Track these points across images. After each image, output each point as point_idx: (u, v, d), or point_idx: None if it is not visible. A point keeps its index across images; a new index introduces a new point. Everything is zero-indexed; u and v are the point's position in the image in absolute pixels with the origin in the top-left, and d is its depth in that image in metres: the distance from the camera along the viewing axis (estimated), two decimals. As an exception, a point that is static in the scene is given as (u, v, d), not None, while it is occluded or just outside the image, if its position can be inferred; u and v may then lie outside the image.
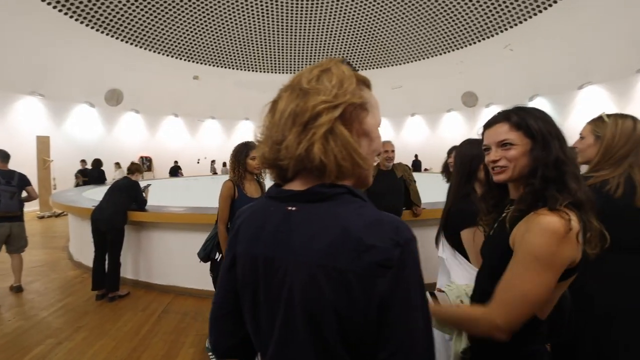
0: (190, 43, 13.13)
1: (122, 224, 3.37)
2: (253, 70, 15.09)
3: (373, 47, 14.28)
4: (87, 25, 10.44)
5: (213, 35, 13.10)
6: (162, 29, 12.05)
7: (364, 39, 13.95)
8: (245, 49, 14.12)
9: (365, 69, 15.10)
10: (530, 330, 0.80)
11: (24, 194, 3.59)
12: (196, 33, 12.77)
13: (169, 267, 3.55)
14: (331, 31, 13.51)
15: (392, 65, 14.97)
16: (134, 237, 3.67)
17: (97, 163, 9.08)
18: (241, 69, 14.94)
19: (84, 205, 4.08)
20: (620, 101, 9.61)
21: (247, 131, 16.22)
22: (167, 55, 13.19)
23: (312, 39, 13.87)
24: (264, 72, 15.18)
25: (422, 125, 16.98)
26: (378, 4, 12.11)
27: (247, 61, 14.71)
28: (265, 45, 14.06)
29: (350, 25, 13.26)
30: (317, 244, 0.50)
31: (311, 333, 0.49)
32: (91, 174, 9.06)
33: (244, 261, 0.58)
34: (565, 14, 9.72)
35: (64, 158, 10.26)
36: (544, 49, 11.00)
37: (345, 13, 12.62)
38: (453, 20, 11.98)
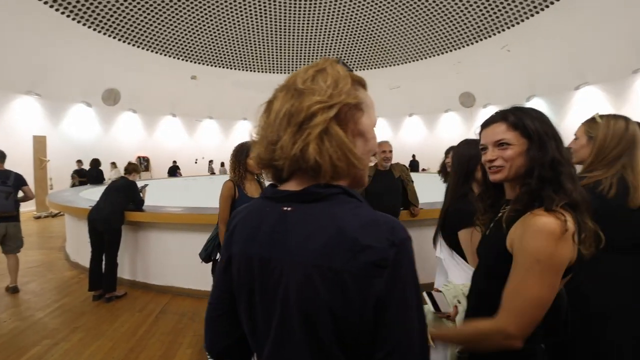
0: (188, 43, 13.09)
1: (119, 224, 3.36)
2: (251, 70, 15.07)
3: (371, 47, 14.30)
4: (84, 24, 10.39)
5: (211, 35, 13.07)
6: (160, 29, 12.01)
7: (362, 39, 13.96)
8: (243, 49, 14.09)
9: (363, 69, 15.11)
10: None
11: (20, 194, 3.57)
12: (194, 33, 12.73)
13: (166, 268, 3.54)
14: (329, 31, 13.51)
15: (390, 66, 14.98)
16: (131, 237, 3.66)
17: (96, 163, 9.05)
18: (239, 69, 14.91)
19: (81, 205, 4.06)
20: (617, 102, 9.67)
21: (245, 131, 16.20)
22: (165, 55, 13.15)
23: (310, 39, 13.87)
24: (262, 72, 15.16)
25: (419, 125, 17.01)
26: (376, 4, 12.12)
27: (245, 61, 14.68)
28: (263, 45, 14.04)
29: (348, 26, 13.26)
30: (312, 244, 0.50)
31: (307, 333, 0.49)
32: (90, 174, 9.02)
33: (240, 261, 0.58)
34: (561, 16, 9.77)
35: (60, 158, 10.20)
36: (541, 50, 11.05)
37: (343, 13, 12.63)
38: (450, 21, 12.01)
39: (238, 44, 13.83)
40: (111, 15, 10.62)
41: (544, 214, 0.76)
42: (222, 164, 14.90)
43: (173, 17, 11.70)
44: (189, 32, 12.61)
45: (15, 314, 3.02)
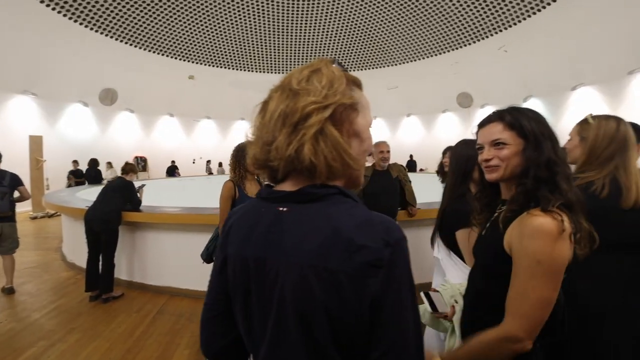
0: (186, 42, 13.05)
1: (116, 225, 3.34)
2: (249, 70, 15.05)
3: (369, 47, 14.31)
4: (80, 24, 10.34)
5: (208, 34, 13.04)
6: (158, 28, 11.97)
7: (360, 40, 13.98)
8: (241, 48, 14.07)
9: (361, 69, 15.13)
10: None
11: (16, 194, 3.54)
12: (191, 32, 12.70)
13: (164, 268, 3.53)
14: (327, 31, 13.52)
15: (388, 66, 15.01)
16: (129, 237, 3.64)
17: (94, 163, 9.00)
18: (237, 69, 14.88)
19: (78, 205, 4.04)
20: (613, 102, 9.73)
21: (243, 131, 16.10)
22: (163, 55, 13.10)
23: (308, 39, 13.87)
24: (260, 72, 15.14)
25: (417, 125, 17.05)
26: (374, 4, 12.14)
27: (243, 61, 14.66)
28: (261, 45, 14.02)
29: (346, 26, 13.27)
30: (308, 244, 0.50)
31: (302, 333, 0.49)
32: (88, 174, 8.98)
33: (235, 262, 0.58)
34: (558, 17, 9.82)
35: (57, 158, 10.14)
36: (537, 51, 11.10)
37: (341, 13, 12.64)
38: (448, 22, 12.05)
39: (236, 44, 13.81)
40: (108, 15, 10.58)
41: (541, 214, 0.76)
42: (220, 164, 14.87)
43: (170, 16, 11.67)
44: (187, 31, 12.58)
45: (11, 315, 3.00)
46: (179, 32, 12.49)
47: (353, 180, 0.59)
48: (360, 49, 14.40)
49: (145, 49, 12.50)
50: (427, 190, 3.78)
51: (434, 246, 1.72)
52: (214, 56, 14.06)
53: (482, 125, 0.94)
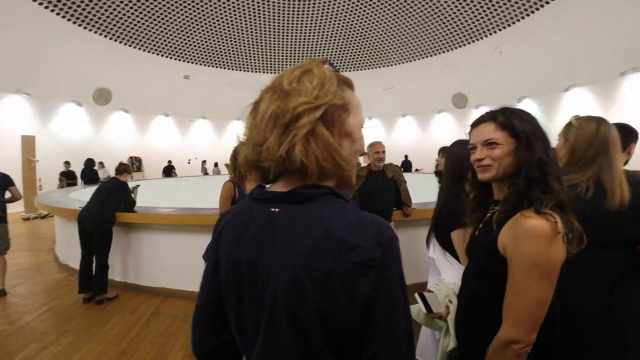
0: (181, 42, 12.98)
1: (110, 225, 3.31)
2: (244, 70, 15.01)
3: (365, 48, 14.36)
4: (74, 22, 10.24)
5: (204, 34, 12.98)
6: (153, 28, 11.89)
7: (355, 40, 14.01)
8: (236, 48, 14.03)
9: (357, 70, 15.17)
10: None
11: (7, 194, 3.49)
12: (187, 32, 12.64)
13: (158, 269, 3.50)
14: (323, 32, 13.53)
15: (384, 67, 15.07)
16: (123, 238, 3.61)
17: (90, 163, 8.90)
18: (232, 69, 14.84)
19: (71, 206, 4.00)
20: (605, 103, 9.86)
21: (240, 131, 16.10)
22: (158, 55, 13.02)
23: (304, 39, 13.87)
24: (256, 72, 15.11)
25: (413, 126, 17.12)
26: (370, 5, 12.17)
27: (239, 61, 14.62)
28: (257, 45, 14.00)
29: (342, 26, 13.30)
30: (300, 245, 0.50)
31: (295, 334, 0.49)
32: (84, 174, 8.87)
33: (228, 263, 0.58)
34: (551, 19, 9.93)
35: (50, 158, 10.03)
36: (531, 52, 11.22)
37: (337, 14, 12.65)
38: (443, 23, 12.13)
39: (231, 44, 13.77)
40: (102, 14, 10.49)
41: (534, 216, 0.77)
42: (216, 164, 14.80)
43: (166, 15, 11.60)
44: (182, 31, 12.51)
45: (2, 318, 2.96)
46: (174, 32, 12.42)
47: (345, 181, 0.59)
48: (356, 49, 14.43)
49: (140, 49, 12.41)
50: (423, 191, 3.80)
51: (429, 246, 1.72)
52: (210, 56, 14.01)
53: (474, 125, 0.95)
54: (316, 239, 0.49)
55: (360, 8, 12.34)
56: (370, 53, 14.54)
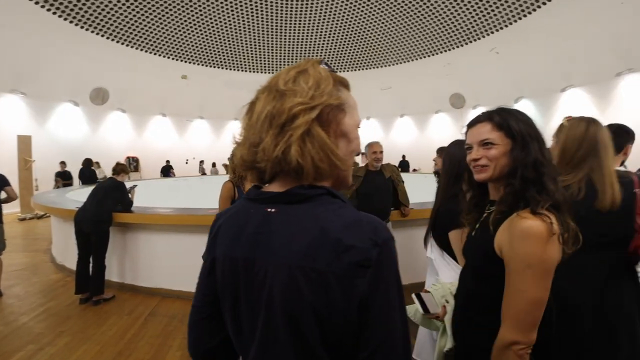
0: (178, 41, 12.94)
1: (107, 226, 3.30)
2: (242, 70, 14.98)
3: (363, 48, 14.37)
4: (71, 22, 10.18)
5: (201, 34, 12.95)
6: (150, 27, 11.84)
7: (353, 40, 14.02)
8: (234, 48, 14.00)
9: (355, 70, 15.18)
10: None
11: (3, 194, 3.47)
12: (184, 31, 12.60)
13: (155, 270, 3.49)
14: (321, 32, 13.53)
15: (382, 67, 15.08)
16: (120, 238, 3.60)
17: (88, 162, 8.85)
18: (230, 69, 14.80)
19: (67, 206, 3.98)
20: (601, 103, 9.91)
21: (236, 132, 16.08)
22: (155, 54, 12.96)
23: (302, 39, 13.86)
24: (254, 72, 15.08)
25: (410, 126, 17.15)
26: (367, 5, 12.18)
27: (236, 61, 14.59)
28: (255, 45, 13.98)
29: (340, 26, 13.30)
30: (296, 245, 0.50)
31: (291, 334, 0.49)
32: (82, 174, 8.82)
33: (224, 263, 0.58)
34: (548, 19, 9.98)
35: (46, 158, 9.96)
36: (528, 53, 11.27)
37: (335, 14, 12.66)
38: (441, 23, 12.16)
39: (229, 44, 13.74)
40: (99, 13, 10.43)
41: (530, 216, 0.77)
42: (214, 164, 14.77)
43: (163, 15, 11.56)
44: (180, 30, 12.47)
45: (-2, 319, 2.94)
46: (172, 31, 12.38)
47: (341, 181, 0.59)
48: (354, 49, 14.44)
49: (137, 48, 12.35)
50: (420, 191, 3.81)
51: (427, 246, 1.73)
52: (207, 56, 13.97)
53: (471, 125, 0.96)
54: (312, 239, 0.49)
55: (358, 8, 12.35)
56: (368, 53, 14.55)
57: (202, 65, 14.20)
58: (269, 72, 14.88)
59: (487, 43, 11.97)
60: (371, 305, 0.47)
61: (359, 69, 15.18)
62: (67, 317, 2.95)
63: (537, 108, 11.95)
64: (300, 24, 13.05)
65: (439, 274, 1.61)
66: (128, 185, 3.74)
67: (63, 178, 9.17)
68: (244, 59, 14.53)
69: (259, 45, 14.01)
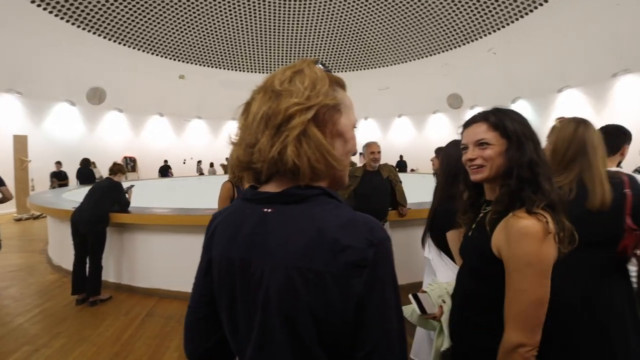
0: (176, 41, 12.91)
1: (104, 226, 3.28)
2: (240, 70, 14.97)
3: (360, 48, 14.39)
4: (67, 21, 10.14)
5: (199, 33, 12.92)
6: (147, 27, 11.81)
7: (351, 40, 14.04)
8: (232, 48, 13.98)
9: (353, 70, 15.20)
10: None
11: (-2, 195, 3.44)
12: (182, 31, 12.57)
13: (152, 270, 3.48)
14: (318, 32, 13.54)
15: (379, 67, 15.11)
16: (117, 239, 3.58)
17: (86, 162, 8.79)
18: (228, 69, 14.79)
19: (64, 206, 3.95)
20: (597, 104, 9.98)
21: (234, 131, 16.05)
22: (152, 54, 12.93)
23: (299, 39, 13.86)
24: (251, 71, 15.07)
25: (408, 126, 17.19)
26: (365, 5, 12.20)
27: (234, 61, 14.57)
28: (253, 44, 13.97)
29: (338, 27, 13.32)
30: (292, 245, 0.50)
31: (288, 334, 0.49)
32: (80, 173, 8.77)
33: (221, 263, 0.58)
34: (545, 20, 10.04)
35: (42, 158, 9.90)
36: (525, 53, 11.34)
37: (332, 14, 12.67)
38: (439, 24, 12.20)
39: (227, 43, 13.72)
40: (96, 13, 10.39)
41: (526, 216, 0.78)
42: (211, 165, 14.73)
43: (161, 15, 11.52)
44: (177, 30, 12.44)
45: (-7, 320, 2.92)
46: (170, 31, 12.35)
47: (337, 181, 0.59)
48: (352, 49, 14.46)
49: (134, 48, 12.32)
50: (418, 191, 3.82)
51: (424, 246, 1.73)
52: (205, 55, 13.95)
53: (467, 125, 0.96)
54: (309, 239, 0.49)
55: (356, 8, 12.37)
56: (366, 53, 14.58)
57: (200, 65, 14.18)
58: (267, 72, 14.81)
59: (484, 44, 12.03)
60: (367, 305, 0.47)
61: (356, 69, 15.20)
62: (64, 318, 2.93)
63: (534, 108, 12.02)
64: (297, 24, 13.06)
65: (436, 274, 1.61)
66: (125, 185, 3.72)
67: (58, 178, 9.10)
68: (242, 58, 14.52)
69: (257, 45, 14.01)
